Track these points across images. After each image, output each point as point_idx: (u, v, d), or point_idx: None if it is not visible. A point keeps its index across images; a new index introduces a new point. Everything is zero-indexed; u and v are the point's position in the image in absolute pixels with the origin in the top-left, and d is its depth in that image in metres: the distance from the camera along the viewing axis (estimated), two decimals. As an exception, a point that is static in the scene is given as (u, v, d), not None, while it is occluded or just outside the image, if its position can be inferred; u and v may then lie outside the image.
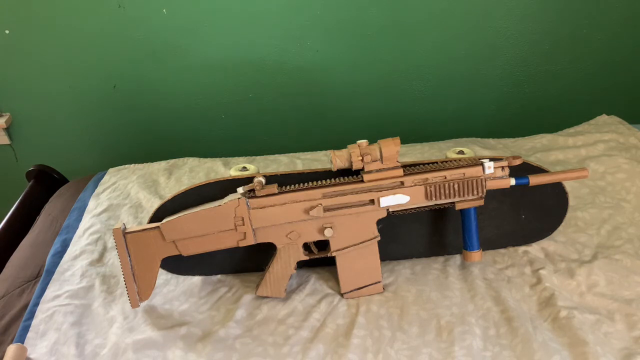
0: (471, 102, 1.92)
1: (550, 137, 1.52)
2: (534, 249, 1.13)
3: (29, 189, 1.59)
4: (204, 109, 1.90)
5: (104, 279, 1.15)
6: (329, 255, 1.05)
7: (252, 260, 1.13)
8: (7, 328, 1.07)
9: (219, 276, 1.14)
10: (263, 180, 1.00)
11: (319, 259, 1.09)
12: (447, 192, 1.00)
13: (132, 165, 1.59)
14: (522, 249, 1.13)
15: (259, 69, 1.82)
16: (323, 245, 1.08)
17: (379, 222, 1.03)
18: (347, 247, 1.04)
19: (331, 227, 1.02)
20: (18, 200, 1.53)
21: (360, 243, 1.04)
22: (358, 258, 1.04)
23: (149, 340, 0.98)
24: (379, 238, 1.04)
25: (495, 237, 1.13)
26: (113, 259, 1.21)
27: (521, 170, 1.06)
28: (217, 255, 1.10)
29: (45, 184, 1.64)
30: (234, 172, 1.30)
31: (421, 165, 1.03)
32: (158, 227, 1.02)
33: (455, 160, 1.02)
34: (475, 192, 1.00)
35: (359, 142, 0.99)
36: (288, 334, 0.98)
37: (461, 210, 1.04)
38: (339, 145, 1.13)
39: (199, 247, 1.03)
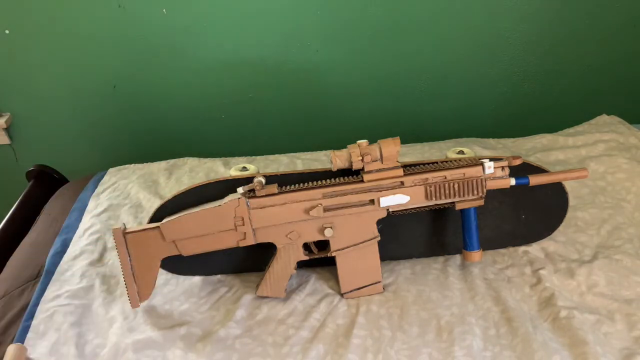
0: (471, 102, 1.92)
1: (550, 137, 1.52)
2: (534, 249, 1.13)
3: (29, 189, 1.59)
4: (204, 109, 1.90)
5: (104, 279, 1.15)
6: (329, 255, 1.05)
7: (252, 260, 1.13)
8: (7, 328, 1.07)
9: (219, 276, 1.14)
10: (263, 180, 1.00)
11: (319, 259, 1.09)
12: (447, 192, 1.00)
13: (132, 165, 1.59)
14: (522, 249, 1.13)
15: (259, 69, 1.82)
16: (323, 245, 1.08)
17: (379, 222, 1.03)
18: (347, 247, 1.04)
19: (331, 227, 1.02)
20: (18, 200, 1.53)
21: (360, 243, 1.04)
22: (358, 258, 1.04)
23: (149, 340, 0.98)
24: (379, 238, 1.04)
25: (495, 237, 1.13)
26: (113, 259, 1.21)
27: (521, 170, 1.06)
28: (217, 255, 1.10)
29: (45, 184, 1.63)
30: (234, 172, 1.30)
31: (421, 165, 1.03)
32: (158, 227, 1.02)
33: (455, 160, 1.02)
34: (475, 192, 1.00)
35: (359, 142, 0.99)
36: (288, 334, 0.98)
37: (461, 210, 1.04)
38: (339, 145, 1.12)
39: (199, 247, 1.03)
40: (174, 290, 1.11)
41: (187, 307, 1.06)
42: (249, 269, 1.14)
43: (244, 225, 1.01)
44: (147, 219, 1.09)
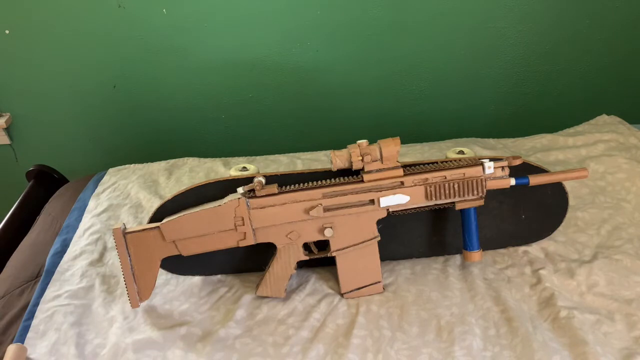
0: (471, 102, 1.92)
1: (550, 137, 1.52)
2: (534, 249, 1.13)
3: (29, 189, 1.59)
4: (204, 109, 1.90)
5: (104, 279, 1.15)
6: (329, 255, 1.05)
7: (252, 260, 1.13)
8: (7, 328, 1.07)
9: (219, 276, 1.14)
10: (263, 180, 1.00)
11: (319, 259, 1.09)
12: (447, 192, 1.00)
13: (132, 165, 1.59)
14: (522, 249, 1.13)
15: (259, 69, 1.82)
16: (323, 245, 1.08)
17: (379, 222, 1.03)
18: (347, 247, 1.04)
19: (331, 227, 1.02)
20: (18, 200, 1.53)
21: (360, 243, 1.04)
22: (358, 258, 1.04)
23: (149, 340, 0.98)
24: (379, 238, 1.04)
25: (495, 237, 1.13)
26: (113, 259, 1.21)
27: (521, 170, 1.06)
28: (217, 255, 1.10)
29: (45, 184, 1.63)
30: (234, 172, 1.30)
31: (421, 165, 1.03)
32: (158, 227, 1.02)
33: (455, 160, 1.02)
34: (475, 192, 1.00)
35: (359, 142, 0.99)
36: (288, 334, 0.98)
37: (461, 210, 1.04)
38: (339, 145, 1.13)
39: (199, 247, 1.03)
40: (174, 290, 1.11)
41: (187, 307, 1.06)
42: (249, 269, 1.14)
43: (244, 225, 1.01)
44: (147, 219, 1.09)
